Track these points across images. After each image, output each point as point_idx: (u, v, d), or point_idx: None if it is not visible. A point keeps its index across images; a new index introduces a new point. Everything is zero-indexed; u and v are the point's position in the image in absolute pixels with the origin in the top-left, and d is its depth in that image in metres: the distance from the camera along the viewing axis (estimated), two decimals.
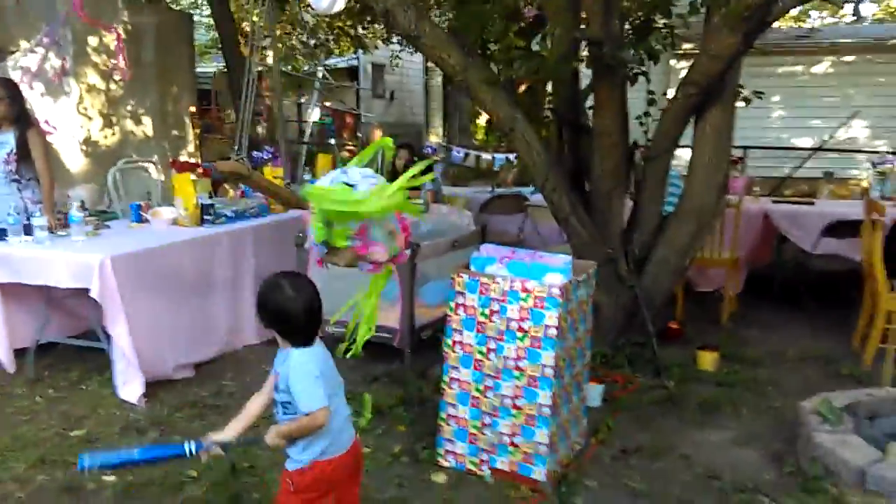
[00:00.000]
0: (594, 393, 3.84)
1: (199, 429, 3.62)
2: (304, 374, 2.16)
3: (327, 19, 12.04)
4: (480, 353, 3.16)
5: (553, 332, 3.01)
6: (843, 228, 5.35)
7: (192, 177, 5.19)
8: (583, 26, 4.58)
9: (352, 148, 12.61)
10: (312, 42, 14.72)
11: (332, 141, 7.36)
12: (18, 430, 3.59)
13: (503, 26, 5.09)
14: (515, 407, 3.11)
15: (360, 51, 15.51)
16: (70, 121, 6.83)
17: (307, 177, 6.87)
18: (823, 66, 12.45)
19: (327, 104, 17.14)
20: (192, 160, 7.77)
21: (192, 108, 8.62)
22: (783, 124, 12.44)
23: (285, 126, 8.68)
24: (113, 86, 7.33)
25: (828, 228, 5.45)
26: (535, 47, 4.93)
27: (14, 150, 4.57)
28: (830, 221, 5.46)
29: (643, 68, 4.40)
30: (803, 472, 3.18)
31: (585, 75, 4.90)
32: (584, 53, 4.64)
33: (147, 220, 4.78)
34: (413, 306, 4.35)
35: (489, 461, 3.19)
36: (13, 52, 6.44)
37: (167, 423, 3.69)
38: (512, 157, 7.83)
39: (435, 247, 4.53)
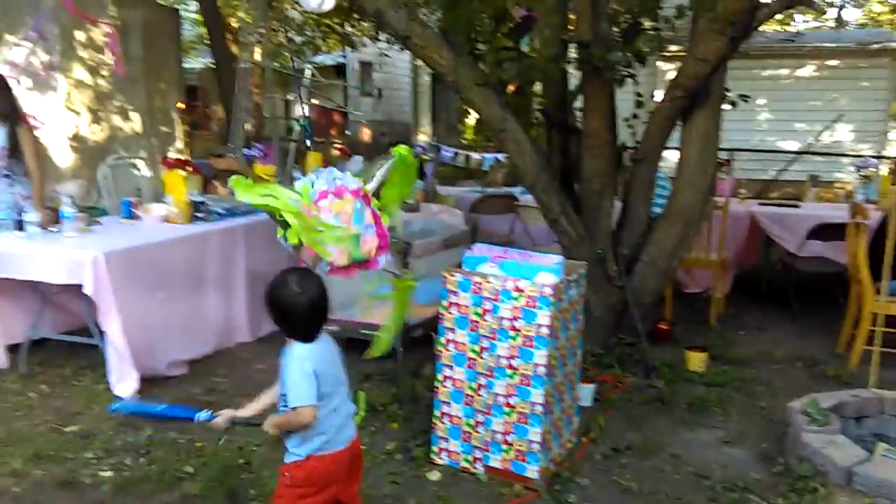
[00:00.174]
0: (585, 392, 3.88)
1: (194, 425, 3.62)
2: (297, 369, 2.19)
3: (315, 16, 12.00)
4: (473, 351, 3.19)
5: (545, 331, 3.04)
6: (828, 231, 5.42)
7: (183, 173, 5.19)
8: (571, 28, 4.63)
9: (341, 146, 12.59)
10: (300, 39, 14.67)
11: (309, 143, 7.33)
12: (13, 426, 3.58)
13: (492, 27, 5.12)
14: (508, 405, 3.14)
15: (348, 48, 15.47)
16: (57, 116, 6.78)
17: (297, 174, 6.86)
18: (808, 70, 12.60)
19: (315, 102, 17.10)
20: (181, 156, 7.75)
21: (181, 105, 8.58)
22: (769, 127, 12.58)
23: (277, 123, 8.67)
24: (101, 81, 7.28)
25: (813, 231, 5.52)
26: (524, 48, 4.96)
27: (5, 146, 4.54)
28: (815, 224, 5.54)
29: (631, 70, 4.44)
30: (792, 472, 3.23)
31: (574, 77, 4.94)
32: (573, 55, 4.68)
33: (138, 217, 4.77)
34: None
35: (483, 459, 3.22)
36: None
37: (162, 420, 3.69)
38: (501, 157, 7.85)
39: (426, 246, 4.55)
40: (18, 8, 6.43)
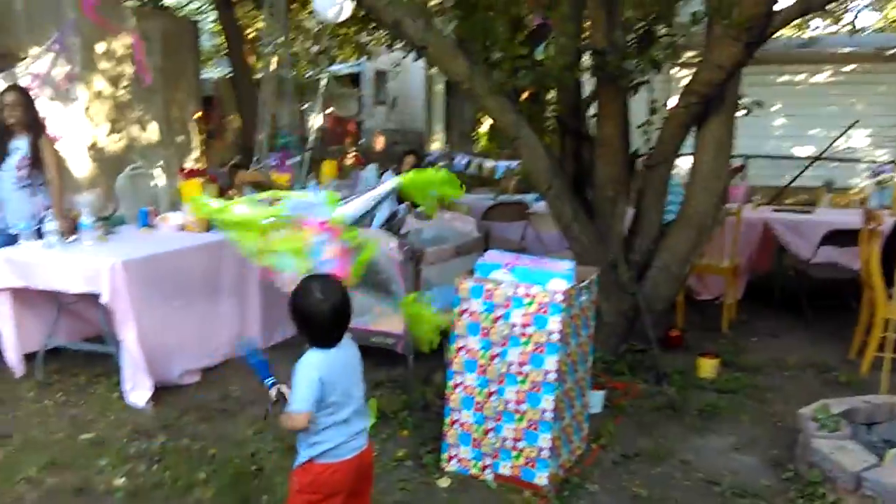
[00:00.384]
0: (596, 399, 3.89)
1: (206, 431, 3.69)
2: (303, 375, 2.23)
3: (331, 26, 12.12)
4: (485, 358, 3.21)
5: (556, 337, 3.07)
6: (841, 237, 5.40)
7: (199, 182, 5.27)
8: (586, 36, 4.65)
9: (355, 154, 12.67)
10: (316, 49, 14.80)
11: (298, 158, 7.35)
12: (29, 434, 3.65)
13: (507, 35, 5.16)
14: (519, 412, 3.17)
15: (364, 57, 15.58)
16: (77, 126, 6.90)
17: (312, 183, 6.93)
18: (824, 75, 12.51)
19: (331, 110, 17.21)
20: (198, 166, 7.85)
21: (198, 114, 8.69)
22: (784, 133, 12.50)
23: (293, 132, 8.73)
24: (120, 92, 7.40)
25: (826, 237, 5.50)
26: (538, 56, 4.99)
27: (27, 156, 4.64)
28: (828, 230, 5.51)
29: (646, 78, 4.46)
30: (801, 478, 3.23)
31: (588, 84, 4.96)
32: (588, 63, 4.70)
33: (155, 226, 4.84)
34: None
35: (493, 466, 3.24)
36: (23, 59, 6.51)
37: (174, 427, 3.75)
38: (514, 165, 7.88)
39: (439, 253, 4.58)
40: (43, 21, 6.55)
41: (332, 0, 5.96)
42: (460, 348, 3.26)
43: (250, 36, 13.33)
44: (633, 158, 4.86)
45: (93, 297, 3.97)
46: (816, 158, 10.23)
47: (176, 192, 5.85)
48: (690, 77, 4.43)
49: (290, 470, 2.40)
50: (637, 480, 3.30)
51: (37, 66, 6.49)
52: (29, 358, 4.36)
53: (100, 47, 7.17)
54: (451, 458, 3.33)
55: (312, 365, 2.24)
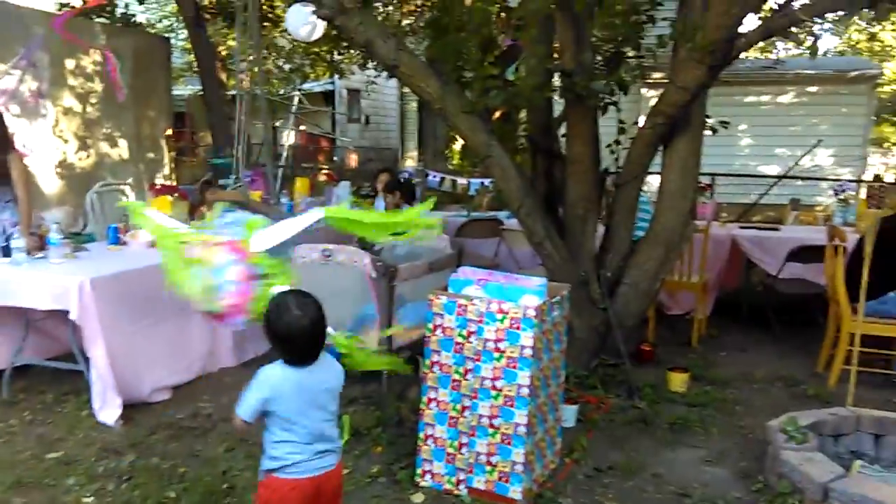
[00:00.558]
0: (568, 413, 3.92)
1: (177, 450, 3.64)
2: (254, 386, 2.25)
3: (303, 44, 12.15)
4: (458, 373, 3.23)
5: (529, 352, 3.09)
6: (807, 253, 5.51)
7: (170, 199, 5.23)
8: (556, 57, 4.72)
9: (328, 171, 12.67)
10: (288, 66, 14.81)
11: (229, 179, 7.25)
12: None
13: (479, 56, 5.22)
14: (492, 426, 3.18)
15: (336, 75, 15.63)
16: (46, 143, 6.83)
17: (284, 199, 6.92)
18: (788, 96, 12.81)
19: (302, 128, 17.21)
20: (168, 183, 7.80)
21: (169, 132, 8.64)
22: (751, 152, 12.76)
23: (270, 149, 8.73)
24: (89, 108, 7.35)
25: (792, 253, 5.61)
26: (510, 76, 5.06)
27: None
28: (795, 247, 5.62)
29: (614, 98, 4.53)
30: (771, 489, 3.28)
31: (559, 104, 5.03)
32: (557, 83, 4.77)
33: (125, 243, 4.80)
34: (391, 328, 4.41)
35: (466, 480, 3.25)
36: None
37: (144, 445, 3.70)
38: (487, 181, 7.94)
39: (412, 269, 4.60)
40: (9, 37, 6.49)
41: (305, 18, 5.97)
42: (434, 363, 3.27)
43: (223, 53, 13.31)
44: (604, 177, 4.93)
45: (61, 315, 3.92)
46: (782, 177, 10.46)
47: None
48: (657, 99, 4.52)
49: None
50: (610, 494, 3.32)
51: (3, 83, 6.42)
52: None
53: (69, 63, 7.12)
54: (424, 473, 3.33)
55: (263, 380, 2.26)
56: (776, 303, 5.97)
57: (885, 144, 22.38)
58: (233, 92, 8.07)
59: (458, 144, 16.12)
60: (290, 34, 7.61)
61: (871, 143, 16.07)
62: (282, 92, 15.97)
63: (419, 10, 10.64)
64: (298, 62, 14.26)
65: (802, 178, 11.16)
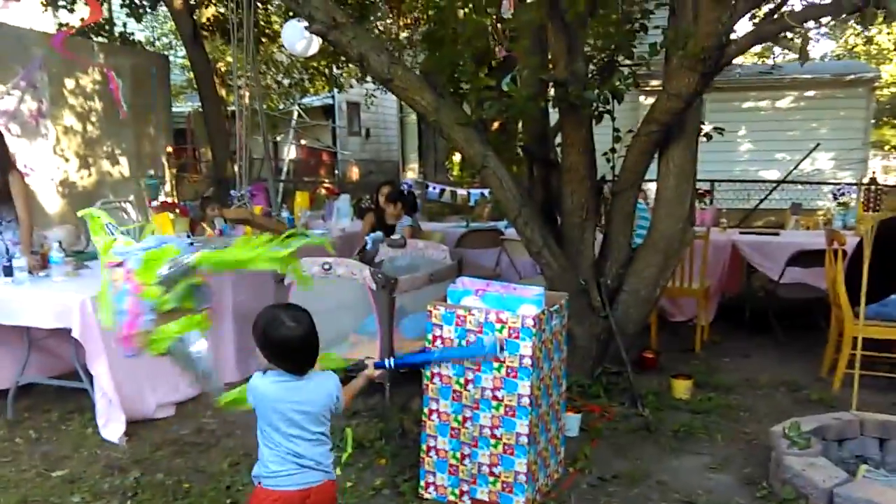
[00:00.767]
0: (572, 422, 3.91)
1: (181, 465, 3.65)
2: (247, 385, 2.37)
3: (301, 59, 12.23)
4: (459, 384, 3.23)
5: (528, 361, 3.09)
6: (808, 258, 5.51)
7: (171, 216, 5.26)
8: (551, 67, 4.74)
9: (329, 185, 12.71)
10: (287, 81, 14.90)
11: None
12: None
13: (473, 67, 5.25)
14: (494, 437, 3.18)
15: (336, 89, 15.71)
16: (47, 162, 6.88)
17: (284, 213, 6.95)
18: (787, 101, 12.85)
19: (303, 142, 17.28)
20: (169, 200, 7.82)
21: (169, 149, 8.69)
22: (750, 157, 12.78)
23: (271, 164, 8.77)
24: (89, 127, 7.40)
25: (793, 258, 5.61)
26: (504, 87, 5.09)
27: None
28: (795, 251, 5.63)
29: (608, 107, 4.55)
30: (775, 495, 3.27)
31: (555, 113, 5.05)
32: (553, 93, 4.80)
33: None
34: (392, 340, 4.41)
35: (470, 492, 3.24)
36: None
37: (149, 462, 3.70)
38: (487, 192, 7.96)
39: (412, 281, 4.60)
40: (8, 58, 6.55)
41: (301, 34, 6.02)
42: (434, 375, 3.28)
43: (222, 69, 13.38)
44: (601, 185, 4.94)
45: (64, 333, 3.93)
46: (780, 182, 10.47)
47: (147, 226, 5.83)
48: (651, 106, 4.53)
49: None
50: (614, 502, 3.32)
51: (3, 103, 6.47)
52: (0, 395, 4.29)
53: (69, 83, 7.18)
54: (428, 485, 3.33)
55: (250, 388, 2.35)
56: (778, 308, 5.97)
57: (887, 147, 22.41)
58: (232, 108, 8.10)
59: (458, 156, 16.16)
60: (287, 50, 7.65)
61: (872, 146, 16.09)
62: (281, 107, 16.06)
63: (416, 22, 10.71)
64: (297, 77, 14.35)
65: (802, 183, 11.17)
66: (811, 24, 4.20)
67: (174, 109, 11.67)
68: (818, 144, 10.96)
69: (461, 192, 8.68)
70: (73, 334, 3.85)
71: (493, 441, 3.18)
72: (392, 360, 2.57)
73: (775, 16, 4.03)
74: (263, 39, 11.49)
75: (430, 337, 3.28)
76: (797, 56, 3.77)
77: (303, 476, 2.32)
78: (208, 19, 10.56)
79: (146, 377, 4.18)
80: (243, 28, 6.13)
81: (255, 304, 4.27)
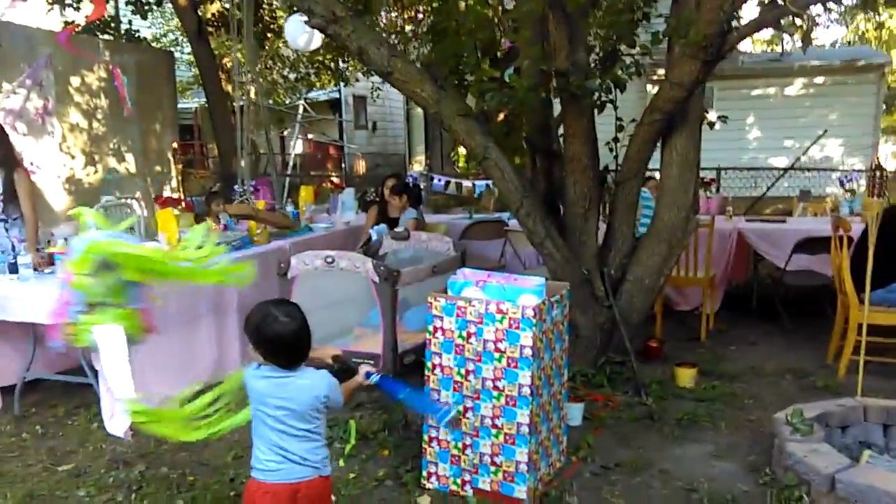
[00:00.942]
0: (574, 411, 3.91)
1: (185, 459, 3.68)
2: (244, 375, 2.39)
3: (307, 54, 12.24)
4: (460, 374, 3.23)
5: (529, 351, 3.09)
6: (813, 245, 5.48)
7: (175, 211, 5.27)
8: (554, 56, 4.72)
9: (336, 179, 12.75)
10: (293, 76, 14.91)
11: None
12: (5, 467, 3.62)
13: (476, 59, 5.24)
14: (495, 427, 3.18)
15: (342, 83, 15.71)
16: (53, 160, 6.91)
17: (289, 208, 6.96)
18: (795, 87, 12.75)
19: (310, 136, 17.30)
20: (175, 195, 7.86)
21: (175, 145, 8.71)
22: (759, 145, 12.70)
23: (274, 159, 8.79)
24: (95, 124, 7.43)
25: (799, 245, 5.58)
26: (506, 78, 5.07)
27: (0, 191, 4.64)
28: (801, 238, 5.59)
29: (610, 97, 4.54)
30: (778, 482, 3.26)
31: (558, 104, 5.04)
32: (554, 84, 4.78)
33: None
34: (395, 332, 4.42)
35: (472, 481, 3.25)
36: None
37: (153, 455, 3.73)
38: (492, 183, 7.95)
39: (415, 273, 4.61)
40: (15, 57, 6.58)
41: (303, 29, 6.02)
42: (435, 366, 3.28)
43: (227, 65, 13.41)
44: (604, 175, 4.93)
45: None
46: (787, 169, 10.40)
47: (153, 222, 5.86)
48: (653, 95, 4.51)
49: None
50: (616, 491, 3.32)
51: (10, 102, 6.51)
52: (6, 391, 4.34)
53: (74, 80, 7.21)
54: (430, 475, 3.34)
55: (250, 375, 2.38)
56: (785, 295, 5.94)
57: None
58: (238, 103, 8.12)
59: (462, 148, 16.17)
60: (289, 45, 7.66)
61: (883, 132, 15.95)
62: (288, 102, 16.07)
63: (420, 14, 10.69)
64: (304, 71, 14.36)
65: (811, 170, 11.10)
66: (814, 9, 4.17)
67: (181, 105, 11.71)
68: (825, 131, 10.88)
69: (466, 183, 8.66)
70: None
71: (494, 431, 3.18)
72: (377, 375, 2.57)
73: (778, 2, 4.00)
74: (269, 35, 11.51)
75: (430, 328, 3.28)
76: (798, 42, 3.75)
77: (290, 471, 2.33)
78: (213, 15, 10.57)
79: (152, 370, 4.20)
80: (243, 26, 6.14)
81: (260, 298, 4.28)
